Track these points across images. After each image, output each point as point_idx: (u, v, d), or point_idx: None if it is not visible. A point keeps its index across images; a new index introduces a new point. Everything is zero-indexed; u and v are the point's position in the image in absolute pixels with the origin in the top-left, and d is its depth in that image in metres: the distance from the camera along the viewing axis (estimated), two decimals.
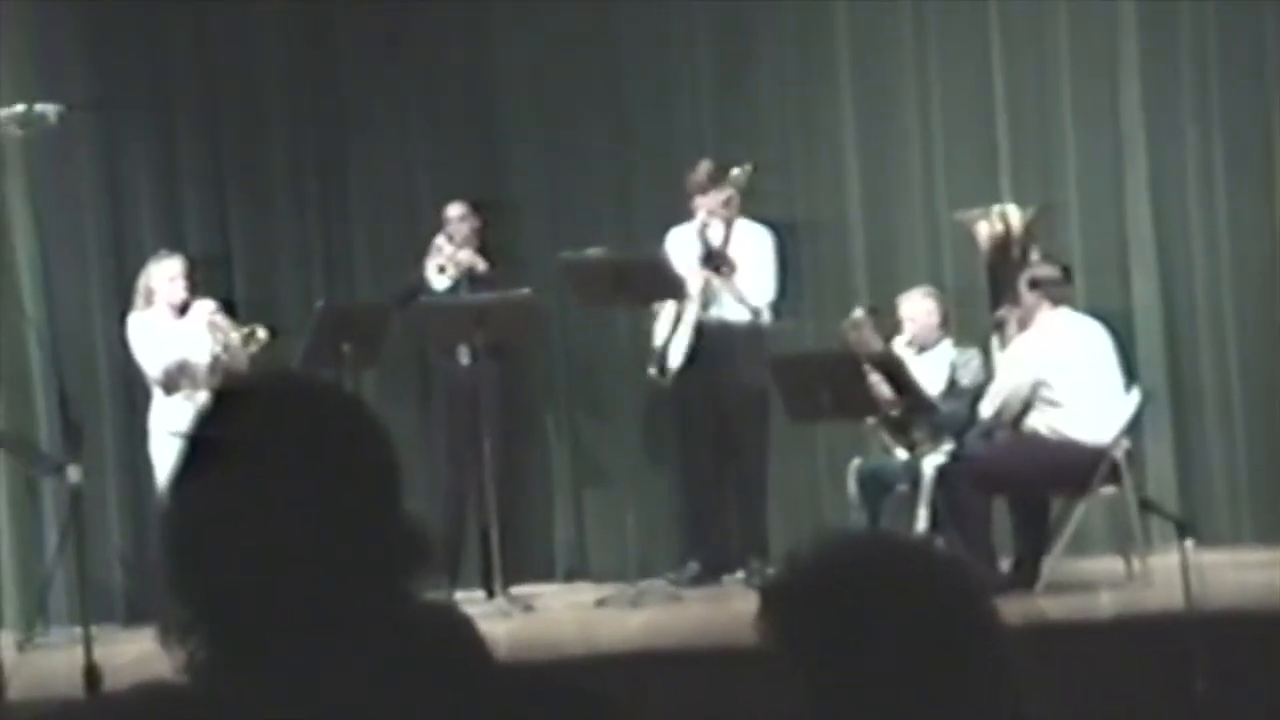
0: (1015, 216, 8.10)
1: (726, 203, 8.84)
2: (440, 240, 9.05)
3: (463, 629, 1.85)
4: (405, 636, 1.78)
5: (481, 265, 9.03)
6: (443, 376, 9.10)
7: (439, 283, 9.01)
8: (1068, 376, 7.80)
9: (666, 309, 8.86)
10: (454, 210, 9.11)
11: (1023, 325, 7.90)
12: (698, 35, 9.62)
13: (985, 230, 8.09)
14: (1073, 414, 7.78)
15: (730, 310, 8.86)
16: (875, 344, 8.34)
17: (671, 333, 8.84)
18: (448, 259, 8.99)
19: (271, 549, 1.74)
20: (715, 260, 8.80)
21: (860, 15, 9.47)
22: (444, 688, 1.79)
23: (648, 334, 9.07)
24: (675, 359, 8.81)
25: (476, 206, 9.15)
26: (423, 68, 9.67)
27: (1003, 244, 8.03)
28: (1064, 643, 6.46)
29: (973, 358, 8.32)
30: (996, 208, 8.23)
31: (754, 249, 8.91)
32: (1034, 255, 8.14)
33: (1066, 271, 8.18)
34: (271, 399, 1.83)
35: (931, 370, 8.36)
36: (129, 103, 9.53)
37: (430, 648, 1.80)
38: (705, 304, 8.81)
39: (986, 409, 7.90)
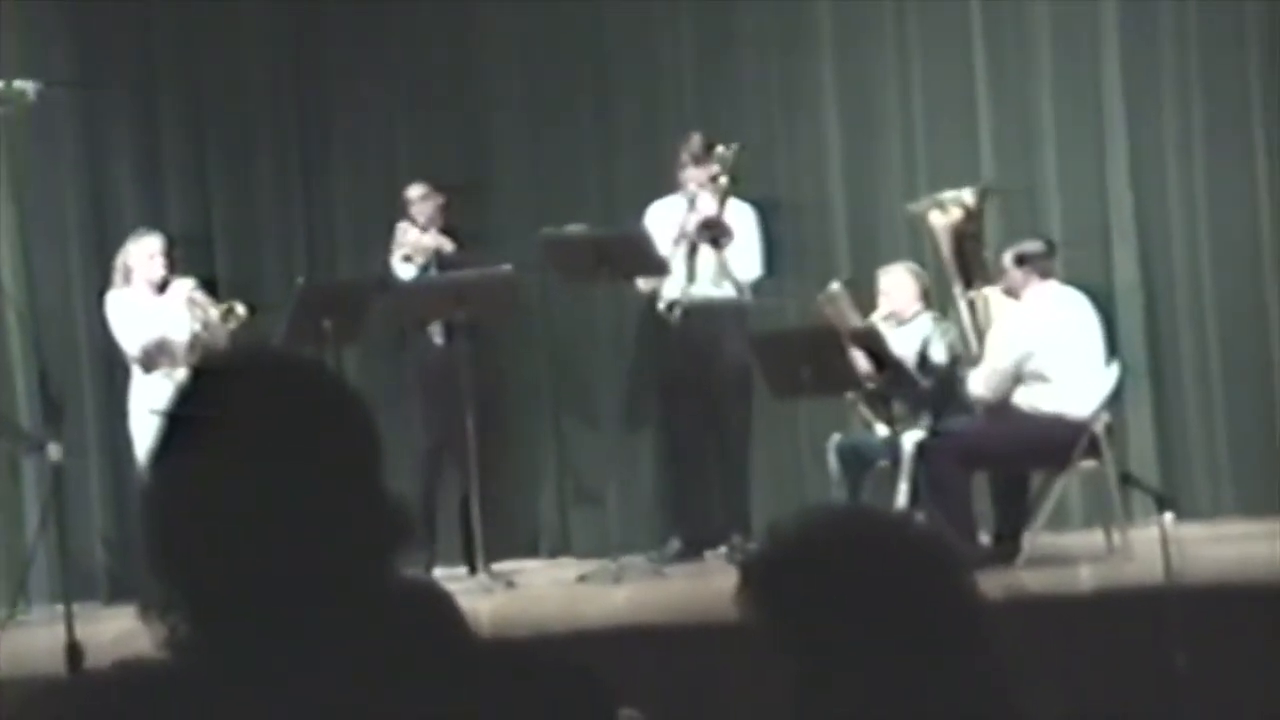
0: (968, 199, 8.09)
1: (715, 178, 8.82)
2: (403, 225, 9.00)
3: (443, 605, 1.85)
4: (386, 612, 1.78)
5: (448, 246, 9.00)
6: (417, 356, 9.08)
7: (406, 271, 8.96)
8: (1057, 349, 7.82)
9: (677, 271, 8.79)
10: (415, 191, 9.07)
11: (976, 305, 7.88)
12: (680, 13, 9.61)
13: (939, 219, 8.06)
14: (1059, 388, 7.80)
15: (714, 287, 8.85)
16: (852, 318, 8.36)
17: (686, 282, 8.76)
18: (412, 247, 8.95)
19: (252, 526, 1.74)
20: (712, 229, 8.77)
21: None
22: (425, 663, 1.79)
23: (629, 310, 9.08)
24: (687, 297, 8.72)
25: (438, 186, 9.11)
26: (406, 45, 9.66)
27: (960, 229, 8.02)
28: (1045, 616, 6.48)
29: (947, 331, 8.31)
30: (949, 194, 8.18)
31: (741, 226, 8.90)
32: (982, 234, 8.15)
33: (1050, 245, 8.20)
34: (251, 376, 1.83)
35: (910, 344, 8.37)
36: (110, 79, 9.50)
37: (411, 624, 1.80)
38: (691, 279, 8.78)
39: (978, 387, 7.89)
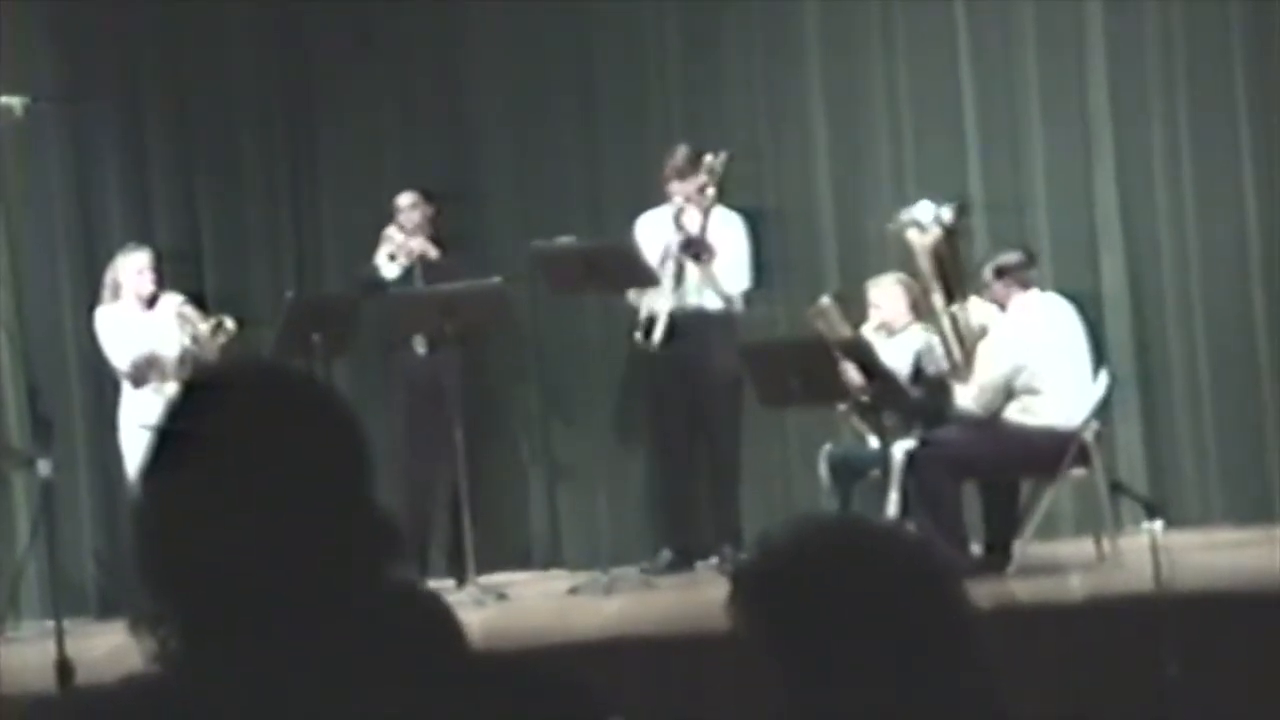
0: (946, 216, 8.08)
1: (702, 189, 8.84)
2: (391, 230, 9.06)
3: (440, 615, 1.85)
4: (377, 624, 1.78)
5: (433, 252, 9.04)
6: (400, 367, 9.10)
7: (390, 270, 9.01)
8: (1047, 359, 7.83)
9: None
10: (404, 199, 9.13)
11: (959, 318, 7.88)
12: (666, 23, 9.62)
13: (917, 239, 8.05)
14: (1049, 398, 7.80)
15: (704, 297, 8.86)
16: (842, 330, 8.36)
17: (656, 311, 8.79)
18: (398, 247, 9.00)
19: (242, 539, 1.75)
20: (694, 247, 8.80)
21: (828, 2, 9.48)
22: (418, 676, 1.79)
23: (619, 321, 9.08)
24: (660, 328, 8.75)
25: (428, 195, 9.14)
26: (393, 58, 9.66)
27: (938, 248, 8.01)
28: (1035, 625, 6.49)
29: (939, 343, 8.31)
30: (923, 209, 8.14)
31: (729, 237, 8.92)
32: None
33: (1029, 255, 8.21)
34: (241, 389, 1.83)
35: (901, 355, 8.38)
36: (97, 94, 9.50)
37: (405, 635, 1.80)
38: (679, 291, 8.80)
39: (968, 402, 7.89)
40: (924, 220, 7.97)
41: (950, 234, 7.98)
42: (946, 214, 8.03)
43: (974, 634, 2.13)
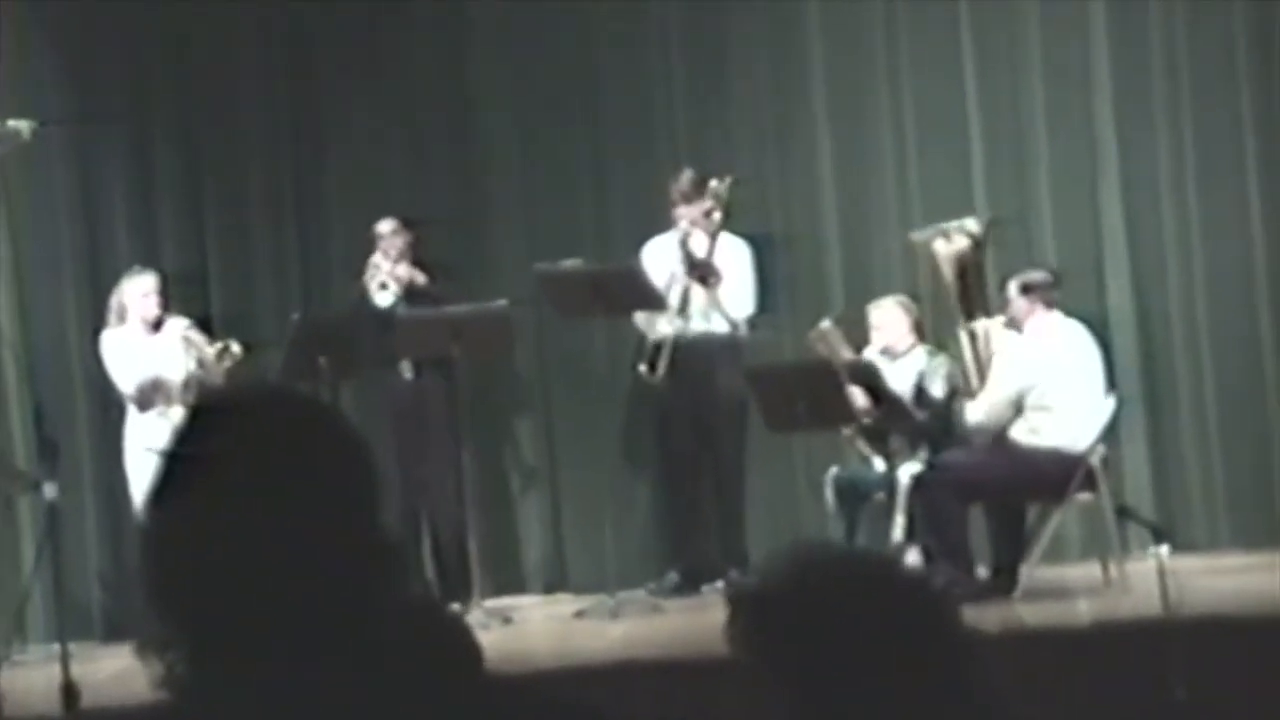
0: (972, 228, 8.09)
1: (708, 214, 8.85)
2: (377, 258, 9.07)
3: (457, 630, 1.85)
4: (397, 641, 1.78)
5: (421, 279, 9.05)
6: (386, 392, 9.11)
7: (382, 299, 9.02)
8: (1060, 380, 7.82)
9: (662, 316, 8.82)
10: (384, 226, 9.13)
11: (977, 336, 7.88)
12: (672, 48, 9.63)
13: (944, 248, 8.06)
14: (1060, 419, 7.79)
15: (711, 321, 8.86)
16: (844, 353, 8.36)
17: (662, 338, 8.80)
18: (388, 275, 9.02)
19: (249, 563, 1.74)
20: (700, 270, 8.81)
21: (833, 27, 9.49)
22: (437, 691, 1.79)
23: (625, 345, 9.09)
24: (665, 360, 8.77)
25: (407, 222, 9.15)
26: (399, 81, 9.68)
27: (964, 258, 8.02)
28: (1042, 649, 6.47)
29: (942, 365, 8.32)
30: (953, 224, 8.19)
31: (735, 261, 8.92)
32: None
33: (1054, 275, 8.21)
34: (248, 413, 1.83)
35: (905, 378, 8.38)
36: (104, 118, 9.51)
37: (424, 650, 1.80)
38: (685, 315, 8.80)
39: (977, 414, 7.88)
40: (951, 229, 8.00)
41: (977, 245, 7.99)
42: (973, 224, 8.05)
43: (971, 663, 2.13)
